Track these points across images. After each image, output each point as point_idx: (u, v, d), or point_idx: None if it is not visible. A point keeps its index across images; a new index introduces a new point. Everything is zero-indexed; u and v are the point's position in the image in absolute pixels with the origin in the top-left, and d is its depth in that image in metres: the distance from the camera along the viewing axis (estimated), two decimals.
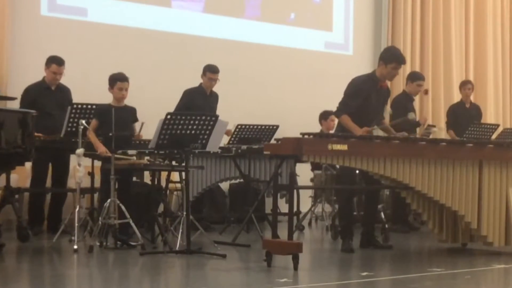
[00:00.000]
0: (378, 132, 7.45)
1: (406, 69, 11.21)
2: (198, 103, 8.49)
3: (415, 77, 9.24)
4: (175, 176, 7.96)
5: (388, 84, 7.48)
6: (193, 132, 6.48)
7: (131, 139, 7.26)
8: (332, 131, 9.17)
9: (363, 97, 7.01)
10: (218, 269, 5.92)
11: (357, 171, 6.98)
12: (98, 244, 6.74)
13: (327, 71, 11.21)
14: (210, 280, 5.53)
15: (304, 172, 9.19)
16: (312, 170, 9.47)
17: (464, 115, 9.92)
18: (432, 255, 7.27)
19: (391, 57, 7.09)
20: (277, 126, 8.46)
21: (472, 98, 10.44)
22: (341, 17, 11.72)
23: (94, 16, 9.44)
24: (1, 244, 6.47)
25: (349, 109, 6.97)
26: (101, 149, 6.89)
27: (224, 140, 7.98)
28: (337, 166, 8.26)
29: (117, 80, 7.14)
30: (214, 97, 8.84)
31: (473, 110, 10.25)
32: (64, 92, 8.05)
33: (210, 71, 8.68)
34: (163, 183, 7.76)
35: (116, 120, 6.78)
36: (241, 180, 8.55)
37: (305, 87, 11.05)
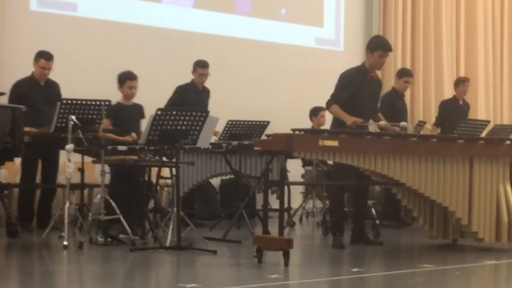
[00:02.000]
0: (375, 128, 7.40)
1: (397, 66, 11.23)
2: (190, 99, 8.47)
3: (402, 73, 9.24)
4: (165, 172, 7.93)
5: (379, 76, 7.46)
6: (183, 128, 6.46)
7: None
8: (322, 127, 9.17)
9: (354, 88, 7.01)
10: (209, 265, 5.91)
11: None
12: (99, 239, 6.75)
13: (318, 67, 11.19)
14: (201, 276, 5.52)
15: (295, 168, 9.18)
16: (303, 166, 9.47)
17: (457, 112, 9.90)
18: (422, 251, 7.28)
19: (376, 45, 7.11)
20: (268, 122, 8.44)
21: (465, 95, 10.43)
22: (332, 13, 11.71)
23: (84, 11, 9.40)
24: None
25: (339, 100, 6.97)
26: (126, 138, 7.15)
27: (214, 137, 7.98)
28: (329, 162, 8.28)
29: (127, 79, 7.36)
30: (206, 93, 8.82)
31: (465, 107, 10.25)
32: (53, 87, 7.99)
33: (200, 66, 8.66)
34: (154, 179, 7.74)
35: (127, 118, 7.20)
36: (232, 176, 8.54)
37: (296, 83, 11.04)
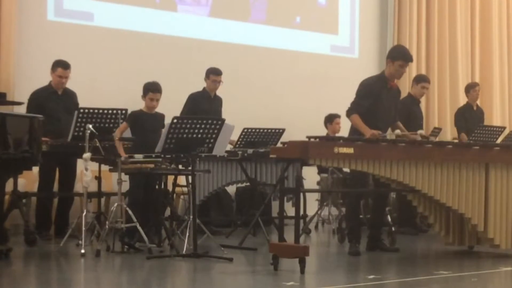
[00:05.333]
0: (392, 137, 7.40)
1: (412, 72, 11.22)
2: (203, 107, 8.51)
3: (420, 79, 9.25)
4: (181, 180, 7.98)
5: (397, 85, 7.48)
6: (199, 136, 6.49)
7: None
8: (338, 135, 9.18)
9: (374, 97, 7.04)
10: (225, 273, 5.93)
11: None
12: (121, 246, 6.80)
13: (333, 74, 11.22)
14: (217, 284, 5.54)
15: (310, 176, 9.19)
16: (319, 173, 9.48)
17: (472, 118, 9.89)
18: (438, 257, 7.27)
19: (397, 55, 7.13)
20: (283, 130, 8.46)
21: (478, 100, 10.40)
22: (346, 20, 11.73)
23: (100, 21, 9.47)
24: (9, 249, 6.49)
25: (360, 109, 6.99)
26: (122, 154, 7.00)
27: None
28: (344, 170, 8.28)
29: (149, 91, 7.35)
30: (218, 101, 8.86)
31: (479, 112, 10.23)
32: (70, 97, 8.07)
33: (213, 73, 8.71)
34: (170, 187, 7.78)
35: (145, 126, 7.18)
36: (248, 184, 8.56)
37: (311, 90, 11.06)
